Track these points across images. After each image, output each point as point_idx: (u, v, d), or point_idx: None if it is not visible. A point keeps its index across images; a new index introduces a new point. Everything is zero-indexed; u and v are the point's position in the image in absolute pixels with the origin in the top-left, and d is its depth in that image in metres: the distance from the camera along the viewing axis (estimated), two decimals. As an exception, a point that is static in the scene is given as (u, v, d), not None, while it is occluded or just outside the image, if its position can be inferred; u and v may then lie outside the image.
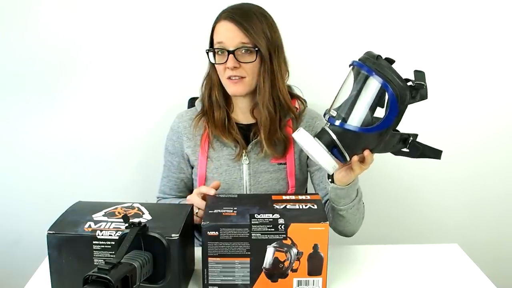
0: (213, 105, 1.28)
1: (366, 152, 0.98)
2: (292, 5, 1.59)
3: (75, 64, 1.63)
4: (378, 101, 0.94)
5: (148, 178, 1.72)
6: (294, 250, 0.97)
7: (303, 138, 0.96)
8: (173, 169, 1.36)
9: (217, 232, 0.96)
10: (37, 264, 1.12)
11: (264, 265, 0.98)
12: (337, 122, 0.94)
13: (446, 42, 1.66)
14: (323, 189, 1.31)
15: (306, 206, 1.03)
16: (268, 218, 0.97)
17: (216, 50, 1.22)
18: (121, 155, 1.72)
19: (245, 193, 1.28)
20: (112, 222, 0.97)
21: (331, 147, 0.95)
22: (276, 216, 0.98)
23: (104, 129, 1.69)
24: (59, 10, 1.57)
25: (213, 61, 1.24)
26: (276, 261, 0.98)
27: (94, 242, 0.94)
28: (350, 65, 0.98)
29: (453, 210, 1.83)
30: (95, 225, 0.96)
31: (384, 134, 0.95)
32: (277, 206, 1.02)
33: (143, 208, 1.04)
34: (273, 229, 0.96)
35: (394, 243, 1.24)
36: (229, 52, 1.18)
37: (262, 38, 1.19)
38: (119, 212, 1.02)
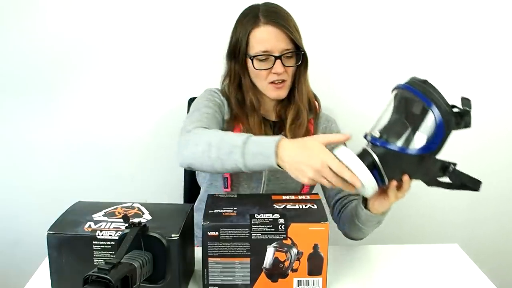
0: (247, 110, 1.26)
1: (406, 177, 0.95)
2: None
3: (75, 64, 1.63)
4: (423, 125, 0.91)
5: (148, 178, 1.73)
6: (294, 250, 0.97)
7: (345, 155, 0.92)
8: (210, 110, 1.22)
9: (217, 232, 0.96)
10: (37, 264, 1.12)
11: (264, 265, 0.98)
12: (380, 142, 0.92)
13: (446, 42, 1.67)
14: (335, 188, 1.28)
15: (306, 206, 1.03)
16: (268, 218, 0.97)
17: (260, 56, 1.19)
18: (121, 155, 1.72)
19: (261, 188, 1.28)
20: (112, 222, 0.97)
21: (371, 168, 0.92)
22: (276, 216, 0.97)
23: (104, 129, 1.69)
24: (60, 10, 1.57)
25: (255, 68, 1.21)
26: (276, 261, 0.97)
27: (94, 242, 0.94)
28: (395, 88, 0.96)
29: (453, 210, 1.83)
30: (95, 225, 0.96)
31: (425, 159, 0.93)
32: (277, 206, 1.02)
33: (143, 208, 1.04)
34: (273, 229, 0.96)
35: (394, 243, 1.24)
36: (276, 58, 1.18)
37: (301, 39, 1.21)
38: (119, 212, 1.02)
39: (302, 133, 1.26)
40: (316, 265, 0.99)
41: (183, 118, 1.58)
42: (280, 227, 0.96)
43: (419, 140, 0.91)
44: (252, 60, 1.20)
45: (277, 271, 0.98)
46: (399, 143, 0.91)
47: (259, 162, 0.96)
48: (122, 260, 0.80)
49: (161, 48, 1.63)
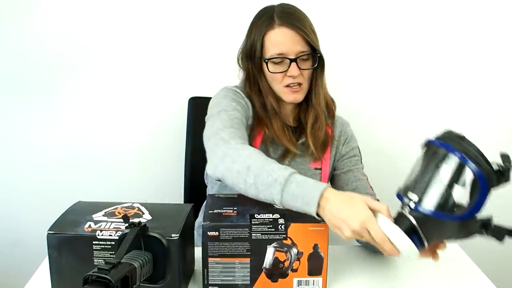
0: (269, 114, 1.22)
1: (443, 244, 0.93)
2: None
3: (75, 64, 1.63)
4: (465, 189, 0.85)
5: (148, 178, 1.73)
6: (294, 250, 0.97)
7: (382, 224, 0.87)
8: (239, 115, 1.15)
9: (217, 232, 0.96)
10: (37, 264, 1.12)
11: (264, 265, 0.98)
12: (419, 207, 0.86)
13: (447, 42, 1.67)
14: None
15: None
16: (268, 218, 0.97)
17: (275, 59, 1.16)
18: (121, 155, 1.72)
19: None
20: (112, 222, 0.97)
21: (410, 233, 0.86)
22: (276, 216, 0.97)
23: (104, 129, 1.69)
24: (60, 9, 1.57)
25: (271, 71, 1.17)
26: (276, 261, 0.98)
27: (94, 242, 0.94)
28: (429, 143, 0.90)
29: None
30: (95, 225, 0.96)
31: (467, 222, 0.88)
32: (277, 206, 1.02)
33: (143, 208, 1.04)
34: (273, 229, 0.96)
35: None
36: (291, 61, 1.15)
37: (317, 41, 1.18)
38: (119, 212, 1.02)
39: (322, 136, 1.24)
40: (316, 265, 0.99)
41: (183, 118, 1.60)
42: (280, 227, 0.96)
43: (461, 204, 0.85)
44: (266, 63, 1.17)
45: (277, 271, 0.98)
46: (440, 208, 0.85)
47: (297, 205, 0.90)
48: (122, 260, 0.80)
49: (162, 48, 1.63)
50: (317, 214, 0.89)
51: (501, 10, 1.65)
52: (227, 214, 0.99)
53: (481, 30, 1.66)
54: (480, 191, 0.84)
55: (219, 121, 1.10)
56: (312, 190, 0.89)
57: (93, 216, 1.00)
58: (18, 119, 1.67)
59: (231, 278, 0.99)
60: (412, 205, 0.86)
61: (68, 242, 0.95)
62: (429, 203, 0.85)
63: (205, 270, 0.98)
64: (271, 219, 0.96)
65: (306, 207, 0.89)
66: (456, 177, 0.84)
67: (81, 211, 1.02)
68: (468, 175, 0.83)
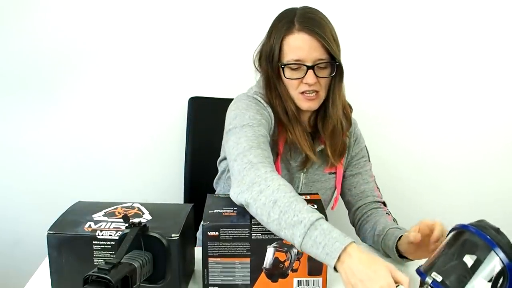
0: (291, 119, 1.17)
1: None
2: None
3: (75, 65, 1.63)
4: (492, 280, 0.84)
5: (148, 178, 1.73)
6: (294, 250, 0.97)
7: None
8: (263, 131, 1.11)
9: (217, 233, 0.96)
10: (37, 264, 1.12)
11: (264, 265, 0.98)
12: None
13: (451, 43, 1.67)
14: (356, 195, 1.29)
15: None
16: None
17: (291, 65, 1.12)
18: (121, 154, 1.72)
19: None
20: (112, 222, 0.97)
21: None
22: None
23: (104, 129, 1.69)
24: (60, 10, 1.57)
25: (286, 76, 1.14)
26: (276, 261, 0.97)
27: (94, 242, 0.94)
28: (462, 228, 0.89)
29: (453, 210, 1.82)
30: (95, 225, 0.96)
31: None
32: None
33: (143, 208, 1.04)
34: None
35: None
36: (308, 68, 1.11)
37: (338, 49, 1.13)
38: (119, 212, 1.02)
39: (339, 145, 1.21)
40: (316, 265, 0.99)
41: (183, 118, 1.60)
42: None
43: None
44: (283, 68, 1.13)
45: (277, 271, 0.98)
46: None
47: (317, 252, 0.87)
48: (122, 260, 0.80)
49: (162, 49, 1.63)
50: (334, 267, 0.86)
51: (503, 13, 1.65)
52: (227, 214, 0.99)
53: (483, 33, 1.66)
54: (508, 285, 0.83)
55: (244, 139, 1.05)
56: (335, 241, 0.85)
57: (93, 216, 1.00)
58: (18, 119, 1.67)
59: (231, 278, 0.99)
60: (435, 286, 0.85)
61: (68, 242, 0.95)
62: (451, 285, 0.84)
63: (205, 270, 0.98)
64: None
65: (325, 257, 0.86)
66: (484, 268, 0.83)
67: (81, 211, 1.02)
68: (497, 266, 0.83)
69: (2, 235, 1.76)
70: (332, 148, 1.20)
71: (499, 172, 1.80)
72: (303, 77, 1.12)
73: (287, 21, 1.13)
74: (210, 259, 0.98)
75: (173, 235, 0.92)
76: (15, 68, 1.62)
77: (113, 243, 0.93)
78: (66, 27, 1.59)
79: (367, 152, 1.33)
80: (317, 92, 1.14)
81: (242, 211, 0.99)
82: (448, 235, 0.93)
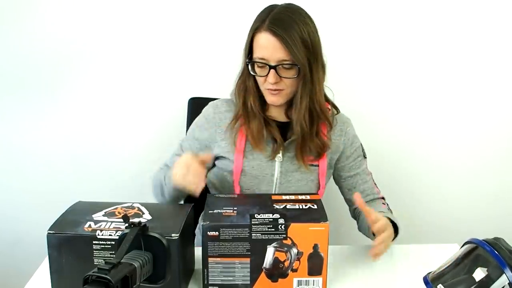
0: (248, 113, 1.23)
1: None
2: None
3: (74, 64, 1.63)
4: None
5: (148, 178, 1.72)
6: (294, 250, 0.97)
7: None
8: (189, 152, 1.26)
9: (217, 232, 0.96)
10: (37, 264, 1.12)
11: (264, 265, 0.98)
12: None
13: (448, 43, 1.67)
14: (351, 193, 1.31)
15: (306, 206, 1.03)
16: (268, 218, 0.97)
17: (257, 62, 1.16)
18: (121, 154, 1.72)
19: (273, 190, 1.26)
20: (112, 222, 0.97)
21: None
22: (276, 216, 0.97)
23: (104, 129, 1.69)
24: (60, 10, 1.57)
25: (253, 73, 1.19)
26: (276, 261, 0.98)
27: (94, 242, 0.94)
28: (475, 244, 0.88)
29: (453, 210, 1.83)
30: (95, 225, 0.96)
31: None
32: (277, 206, 1.02)
33: (143, 208, 1.04)
34: (273, 229, 0.96)
35: (394, 243, 1.24)
36: (271, 67, 1.14)
37: (303, 53, 1.13)
38: (119, 212, 1.02)
39: (314, 143, 1.23)
40: (316, 265, 0.99)
41: (183, 118, 1.60)
42: (280, 227, 0.96)
43: None
44: (251, 64, 1.18)
45: (277, 271, 0.98)
46: None
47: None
48: (122, 260, 0.80)
49: (162, 49, 1.63)
50: None
51: (502, 13, 1.65)
52: (227, 214, 0.99)
53: (483, 32, 1.66)
54: None
55: (169, 160, 1.32)
56: None
57: (93, 216, 1.00)
58: (18, 119, 1.67)
59: (231, 278, 0.99)
60: None
61: (68, 242, 0.95)
62: None
63: (205, 270, 0.98)
64: (271, 219, 0.97)
65: None
66: (494, 286, 0.83)
67: (81, 211, 1.02)
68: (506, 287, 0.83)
69: (2, 235, 1.76)
70: (299, 147, 1.22)
71: (498, 171, 1.80)
72: (267, 75, 1.15)
73: (261, 18, 1.15)
74: (210, 259, 0.98)
75: (173, 235, 0.92)
76: (15, 68, 1.62)
77: (113, 243, 0.93)
78: (66, 27, 1.59)
79: (363, 149, 1.34)
80: (280, 90, 1.17)
81: (242, 211, 1.00)
82: (461, 247, 0.92)
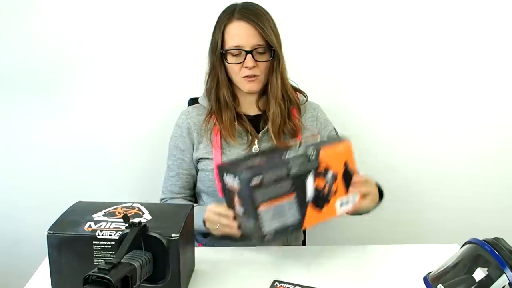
0: (221, 105, 1.31)
1: None
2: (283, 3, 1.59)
3: (75, 65, 1.63)
4: None
5: (149, 178, 1.73)
6: (330, 174, 1.03)
7: None
8: (184, 165, 1.36)
9: (259, 179, 0.97)
10: (37, 264, 1.12)
11: (308, 198, 1.02)
12: None
13: (447, 43, 1.67)
14: None
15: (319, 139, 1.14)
16: (299, 152, 1.02)
17: (232, 51, 1.24)
18: (121, 154, 1.72)
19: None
20: (112, 222, 0.97)
21: None
22: (303, 150, 1.02)
23: (104, 129, 1.69)
24: (60, 9, 1.57)
25: (227, 63, 1.26)
26: (317, 189, 1.02)
27: (94, 242, 0.94)
28: (476, 244, 0.89)
29: (453, 210, 1.83)
30: (95, 225, 0.96)
31: None
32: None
33: (143, 208, 1.04)
34: (307, 160, 1.01)
35: (394, 243, 1.24)
36: (247, 52, 1.23)
37: (273, 37, 1.25)
38: (119, 212, 1.02)
39: (287, 127, 1.30)
40: (348, 180, 1.06)
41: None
42: (311, 157, 1.01)
43: None
44: (226, 54, 1.25)
45: (321, 199, 1.03)
46: None
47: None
48: (122, 260, 0.80)
49: (161, 49, 1.63)
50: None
51: (500, 12, 1.65)
52: (258, 164, 1.02)
53: (482, 32, 1.66)
54: None
55: (164, 187, 1.39)
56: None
57: (93, 216, 1.00)
58: (18, 119, 1.67)
59: (283, 219, 1.01)
60: None
61: (68, 242, 0.95)
62: None
63: (258, 222, 0.99)
64: (302, 153, 1.01)
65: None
66: (494, 286, 0.84)
67: (81, 211, 1.02)
68: (506, 287, 0.84)
69: (2, 235, 1.76)
70: (274, 128, 1.29)
71: (499, 171, 1.80)
72: (243, 61, 1.23)
73: (227, 13, 1.26)
74: (262, 207, 0.98)
75: (173, 235, 0.92)
76: (15, 68, 1.62)
77: (113, 243, 0.93)
78: (66, 28, 1.59)
79: (337, 133, 1.40)
80: (256, 76, 1.26)
81: (268, 160, 1.03)
82: (461, 247, 0.93)
